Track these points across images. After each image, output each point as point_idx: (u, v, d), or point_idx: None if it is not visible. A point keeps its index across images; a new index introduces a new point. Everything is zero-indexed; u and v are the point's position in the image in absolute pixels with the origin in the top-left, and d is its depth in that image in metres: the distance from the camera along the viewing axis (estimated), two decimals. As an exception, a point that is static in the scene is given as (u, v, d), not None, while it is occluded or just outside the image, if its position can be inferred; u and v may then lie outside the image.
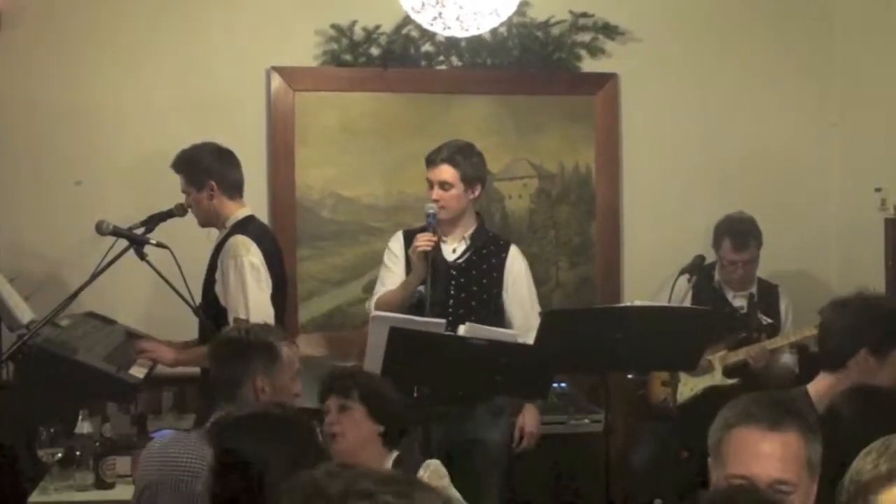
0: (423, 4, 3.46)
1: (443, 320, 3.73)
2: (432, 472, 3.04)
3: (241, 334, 3.15)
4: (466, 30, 3.52)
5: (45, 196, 4.73)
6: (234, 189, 4.12)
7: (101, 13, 4.74)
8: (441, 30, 3.52)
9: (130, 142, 4.78)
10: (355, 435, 3.03)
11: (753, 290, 4.71)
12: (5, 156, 4.71)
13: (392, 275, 4.15)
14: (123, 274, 4.04)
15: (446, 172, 4.08)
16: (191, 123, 4.64)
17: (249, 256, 3.96)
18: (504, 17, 3.54)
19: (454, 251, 4.14)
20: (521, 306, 4.17)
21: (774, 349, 4.42)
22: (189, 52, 4.80)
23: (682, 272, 4.61)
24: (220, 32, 4.81)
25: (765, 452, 2.11)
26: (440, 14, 3.40)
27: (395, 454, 3.08)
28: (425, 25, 3.63)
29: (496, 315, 4.12)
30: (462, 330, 3.66)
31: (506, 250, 4.21)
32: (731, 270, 4.61)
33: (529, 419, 4.13)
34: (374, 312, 3.74)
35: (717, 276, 4.69)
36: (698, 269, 4.63)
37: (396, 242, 4.21)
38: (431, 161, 4.11)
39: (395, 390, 3.16)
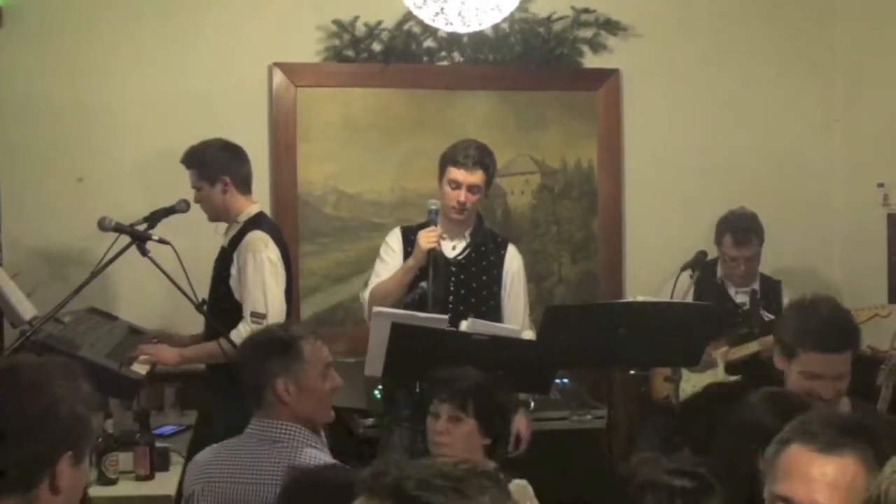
0: (425, 0, 3.45)
1: (445, 316, 3.72)
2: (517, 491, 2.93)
3: (258, 335, 3.08)
4: (468, 25, 3.52)
5: (48, 193, 4.73)
6: (245, 184, 4.16)
7: (103, 10, 4.74)
8: (443, 25, 3.52)
9: (132, 138, 4.78)
10: (462, 446, 2.98)
11: (756, 285, 4.71)
12: (7, 153, 4.71)
13: (388, 268, 4.13)
14: (126, 270, 4.06)
15: (479, 177, 4.02)
16: (193, 119, 4.66)
17: (268, 252, 4.00)
18: (506, 13, 3.54)
19: (454, 248, 4.13)
20: (518, 304, 4.19)
21: None
22: (191, 49, 4.80)
23: (684, 268, 4.61)
24: (222, 28, 4.82)
25: (813, 475, 1.94)
26: (442, 9, 3.39)
27: (490, 465, 3.00)
28: (427, 21, 3.62)
29: (496, 311, 4.12)
30: (464, 325, 3.67)
31: (504, 248, 4.22)
32: (732, 266, 4.61)
33: (523, 425, 4.13)
34: (377, 308, 3.71)
35: (719, 272, 4.69)
36: (700, 265, 4.62)
37: (394, 237, 4.19)
38: (461, 163, 4.01)
39: (507, 399, 3.13)
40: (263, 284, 3.98)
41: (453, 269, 4.09)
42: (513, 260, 4.21)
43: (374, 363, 3.47)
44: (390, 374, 3.63)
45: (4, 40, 4.68)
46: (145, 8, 4.78)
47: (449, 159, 4.05)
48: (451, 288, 4.07)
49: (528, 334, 4.00)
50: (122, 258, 3.86)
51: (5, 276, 4.24)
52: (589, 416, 4.53)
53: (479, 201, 4.11)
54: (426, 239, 3.93)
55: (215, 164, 4.10)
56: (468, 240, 4.14)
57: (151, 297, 4.67)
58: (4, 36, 4.67)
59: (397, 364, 3.42)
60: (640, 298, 3.92)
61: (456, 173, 4.00)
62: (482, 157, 4.03)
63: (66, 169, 4.73)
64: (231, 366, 3.89)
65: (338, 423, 4.36)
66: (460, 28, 3.53)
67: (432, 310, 3.83)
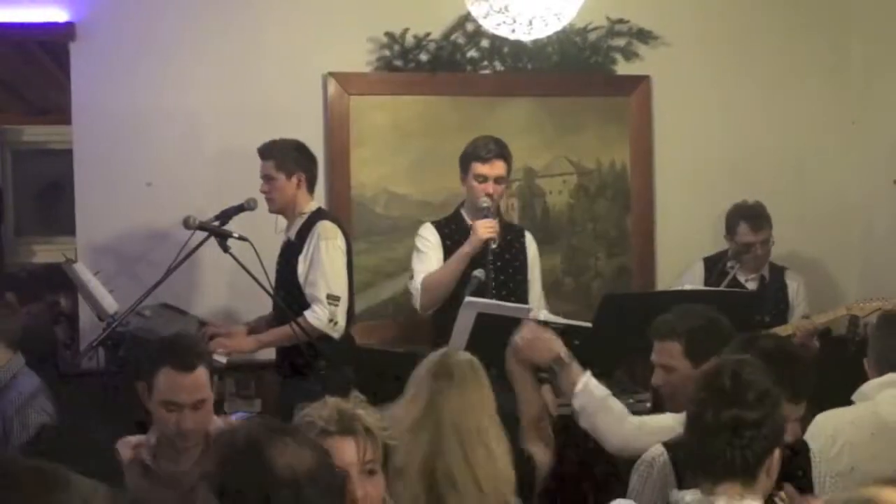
0: (488, 12, 3.72)
1: (528, 306, 3.92)
2: None
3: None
4: (528, 34, 3.77)
5: (119, 196, 4.96)
6: (312, 185, 4.47)
7: (168, 25, 4.99)
8: (507, 33, 3.76)
9: (198, 144, 5.02)
10: None
11: (765, 272, 4.95)
12: (83, 160, 4.97)
13: (430, 259, 4.40)
14: (186, 267, 4.28)
15: (501, 167, 4.35)
16: (255, 126, 4.87)
17: (338, 241, 4.30)
18: (566, 21, 3.78)
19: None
20: (536, 287, 4.52)
21: (820, 325, 4.63)
22: (253, 60, 5.04)
23: (706, 261, 4.90)
24: (281, 41, 5.06)
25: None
26: (514, 20, 3.62)
27: None
28: (491, 30, 3.87)
29: (526, 296, 4.42)
30: (542, 315, 3.89)
31: (522, 235, 4.54)
32: (748, 252, 4.81)
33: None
34: (469, 299, 3.91)
35: (729, 263, 4.85)
36: (715, 259, 4.91)
37: (429, 231, 4.45)
38: (484, 158, 4.31)
39: None
40: (337, 269, 4.25)
41: (490, 257, 4.30)
42: (530, 245, 4.55)
43: (455, 349, 3.63)
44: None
45: (78, 53, 4.94)
46: (209, 23, 5.02)
47: (472, 156, 4.34)
48: (492, 275, 4.28)
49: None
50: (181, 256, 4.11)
51: (89, 273, 4.53)
52: (631, 400, 4.76)
53: (504, 192, 4.45)
54: (485, 228, 4.21)
55: (295, 159, 4.38)
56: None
57: (212, 293, 4.97)
58: (78, 49, 4.93)
59: (477, 349, 3.40)
60: (688, 287, 4.17)
61: (481, 168, 4.30)
62: (501, 150, 4.36)
63: (136, 174, 4.96)
64: (300, 352, 4.22)
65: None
66: (523, 36, 3.78)
67: (490, 297, 4.08)
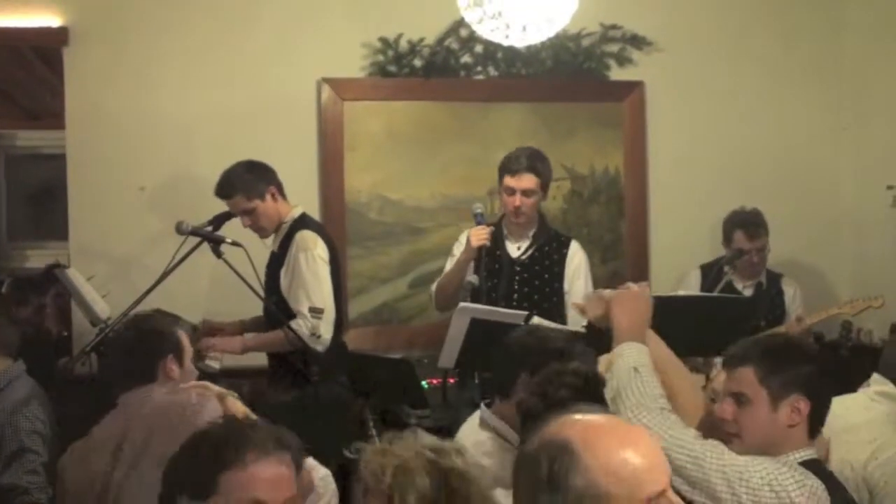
0: (481, 18, 3.73)
1: (523, 312, 3.90)
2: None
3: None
4: (524, 39, 3.76)
5: (112, 201, 4.97)
6: (283, 190, 4.39)
7: (161, 29, 5.00)
8: (502, 39, 3.76)
9: (191, 150, 5.02)
10: None
11: (763, 278, 4.97)
12: (76, 165, 4.97)
13: (454, 262, 4.48)
14: (178, 272, 4.27)
15: (529, 181, 4.35)
16: (248, 131, 4.93)
17: (318, 250, 4.24)
18: (559, 27, 3.78)
19: (518, 248, 4.45)
20: (578, 299, 4.41)
21: (812, 324, 4.67)
22: (246, 66, 5.05)
23: (702, 268, 4.90)
24: (275, 47, 5.07)
25: None
26: (507, 25, 3.62)
27: None
28: (485, 35, 3.87)
29: (559, 307, 4.39)
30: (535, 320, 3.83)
31: (567, 246, 4.51)
32: (745, 259, 4.84)
33: None
34: (462, 304, 3.89)
35: (725, 270, 4.85)
36: (711, 266, 4.91)
37: (464, 235, 4.48)
38: (513, 170, 4.35)
39: None
40: (318, 280, 4.20)
41: (517, 268, 4.39)
42: (574, 256, 4.50)
43: (449, 352, 3.66)
44: (463, 366, 3.87)
45: (71, 57, 4.94)
46: (201, 28, 5.03)
47: (503, 169, 4.40)
48: (515, 286, 4.36)
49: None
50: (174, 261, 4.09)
51: (82, 278, 4.53)
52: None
53: (536, 203, 4.42)
54: (476, 237, 4.28)
55: (256, 180, 4.29)
56: (531, 240, 4.47)
57: (205, 298, 4.95)
58: (71, 54, 4.94)
59: (469, 355, 3.60)
60: (681, 293, 4.16)
61: (509, 181, 4.36)
62: (532, 163, 4.36)
63: (129, 179, 4.96)
64: (292, 361, 4.20)
65: (391, 415, 4.65)
66: (517, 42, 3.78)
67: (487, 303, 4.10)
